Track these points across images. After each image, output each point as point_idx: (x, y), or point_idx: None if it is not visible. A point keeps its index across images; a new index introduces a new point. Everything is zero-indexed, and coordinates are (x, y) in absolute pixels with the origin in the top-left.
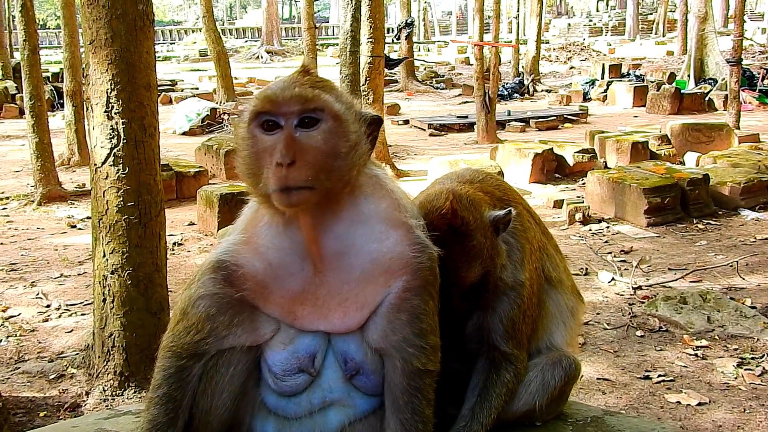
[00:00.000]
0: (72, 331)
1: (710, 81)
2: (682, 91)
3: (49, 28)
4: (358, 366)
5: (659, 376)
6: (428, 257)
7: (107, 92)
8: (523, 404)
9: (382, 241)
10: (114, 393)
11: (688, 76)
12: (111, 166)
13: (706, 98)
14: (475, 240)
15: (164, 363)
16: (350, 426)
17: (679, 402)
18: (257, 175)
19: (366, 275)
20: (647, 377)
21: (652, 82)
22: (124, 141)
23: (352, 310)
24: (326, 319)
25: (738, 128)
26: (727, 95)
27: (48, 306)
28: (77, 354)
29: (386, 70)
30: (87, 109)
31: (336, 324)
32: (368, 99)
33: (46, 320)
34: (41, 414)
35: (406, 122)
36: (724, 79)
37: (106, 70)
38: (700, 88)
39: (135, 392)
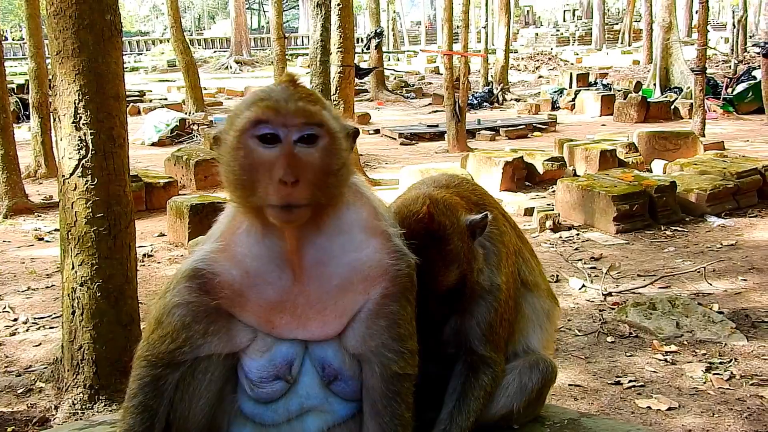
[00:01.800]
0: (40, 344)
1: (676, 90)
2: (649, 100)
3: (13, 40)
4: (335, 372)
5: (630, 381)
6: (406, 264)
7: (75, 103)
8: (501, 407)
9: (361, 249)
10: (84, 406)
11: (654, 84)
12: (79, 177)
13: (672, 107)
14: (452, 244)
15: (139, 372)
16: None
17: (649, 407)
18: (249, 188)
19: (345, 284)
20: (618, 383)
21: (618, 90)
22: (93, 152)
23: (331, 318)
24: (304, 328)
25: (703, 136)
26: (692, 104)
27: (15, 320)
28: (46, 368)
29: (356, 80)
30: (54, 120)
31: (315, 333)
32: (339, 109)
33: (14, 334)
34: (9, 429)
35: (377, 131)
36: (689, 87)
37: (74, 81)
38: (665, 97)
39: (105, 405)
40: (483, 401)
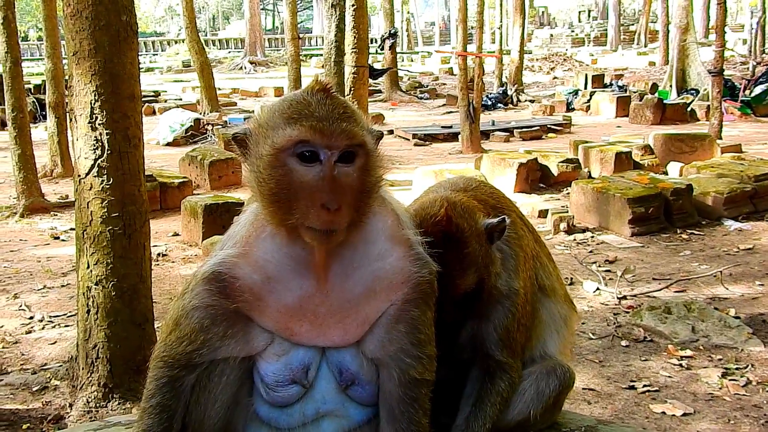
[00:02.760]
0: (55, 342)
1: (692, 91)
2: (665, 102)
3: (30, 40)
4: (353, 376)
5: (644, 386)
6: (428, 271)
7: (91, 103)
8: (518, 413)
9: (385, 258)
10: (98, 405)
11: (670, 86)
12: (95, 177)
13: (689, 108)
14: (470, 247)
15: (156, 373)
16: None
17: (664, 412)
18: (286, 207)
19: (369, 292)
20: (632, 387)
21: (634, 92)
22: (108, 152)
23: (352, 326)
24: (325, 336)
25: (720, 138)
26: (709, 105)
27: (31, 318)
28: (61, 366)
29: (370, 81)
30: (70, 120)
31: (335, 340)
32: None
33: (29, 332)
34: (24, 426)
35: (391, 132)
36: (705, 89)
37: (90, 81)
38: (682, 99)
39: (119, 404)
40: (499, 407)
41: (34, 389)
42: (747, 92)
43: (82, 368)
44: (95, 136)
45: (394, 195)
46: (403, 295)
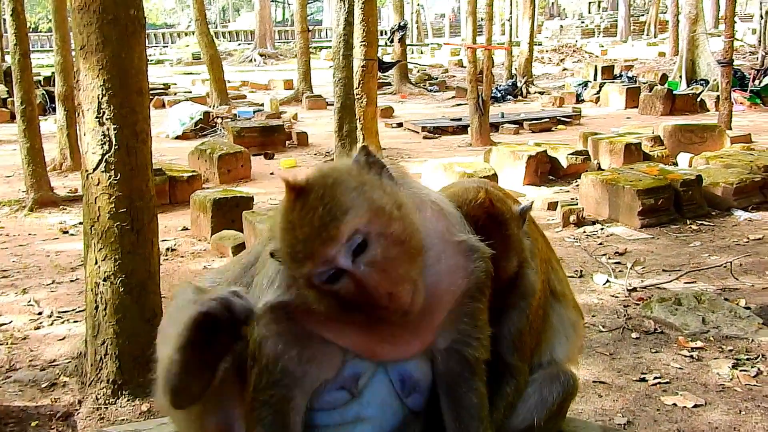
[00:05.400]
0: (64, 338)
1: (702, 82)
2: (674, 92)
3: (40, 32)
4: (415, 384)
5: (655, 378)
6: (483, 262)
7: (98, 98)
8: (522, 420)
9: (442, 260)
10: (107, 401)
11: (680, 77)
12: (103, 172)
13: (698, 99)
14: (511, 230)
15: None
16: None
17: (675, 404)
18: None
19: (435, 298)
20: (643, 379)
21: (644, 83)
22: (116, 147)
23: (426, 336)
24: (405, 351)
25: (730, 129)
26: (718, 96)
27: (40, 313)
28: (69, 362)
29: (379, 73)
30: (78, 114)
31: (413, 352)
32: (362, 102)
33: (38, 328)
34: (33, 424)
35: (400, 125)
36: (715, 79)
37: (98, 76)
38: (692, 89)
39: (128, 400)
40: (504, 412)
41: (42, 386)
42: (756, 82)
43: (91, 365)
44: (103, 131)
45: (429, 187)
46: (462, 291)
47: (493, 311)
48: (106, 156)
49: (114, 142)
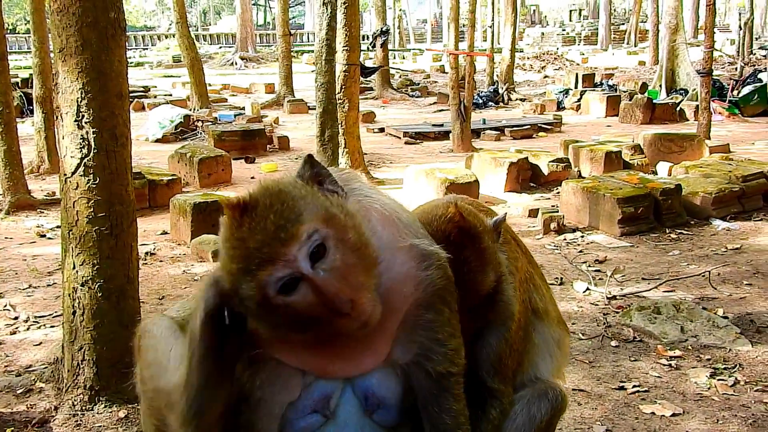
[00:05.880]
0: (41, 344)
1: (681, 91)
2: (654, 101)
3: (18, 33)
4: (379, 400)
5: (634, 386)
6: (436, 265)
7: (77, 101)
8: None
9: (391, 268)
10: (84, 408)
11: (660, 86)
12: (81, 176)
13: (678, 108)
14: (485, 243)
15: None
16: None
17: (653, 413)
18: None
19: (384, 309)
20: (622, 388)
21: (624, 91)
22: (95, 151)
23: (381, 347)
24: (358, 366)
25: (709, 138)
26: (698, 105)
27: (16, 318)
28: (46, 368)
29: (362, 78)
30: (56, 118)
31: (368, 366)
32: (344, 107)
33: (14, 333)
34: (8, 430)
35: (382, 130)
36: (695, 89)
37: (77, 79)
38: (671, 98)
39: (105, 407)
40: None
41: (18, 392)
42: (735, 93)
43: (68, 370)
44: (82, 135)
45: (375, 189)
46: (416, 300)
47: (476, 329)
48: (85, 160)
49: (93, 146)
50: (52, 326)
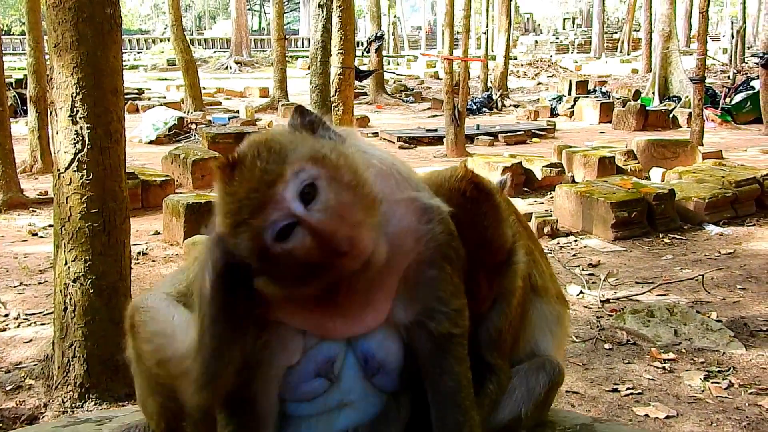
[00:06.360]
0: (31, 341)
1: (674, 98)
2: (647, 108)
3: (13, 34)
4: (379, 364)
5: (627, 389)
6: (438, 219)
7: (72, 96)
8: (509, 413)
9: (389, 222)
10: (74, 405)
11: (653, 93)
12: (75, 171)
13: (671, 115)
14: (498, 200)
15: None
16: (356, 429)
17: (647, 415)
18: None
19: (386, 266)
20: (616, 390)
21: (617, 98)
22: (89, 146)
23: (379, 307)
24: (353, 326)
25: (701, 145)
26: (690, 112)
27: (6, 315)
28: (36, 365)
29: (356, 83)
30: (51, 113)
31: (369, 325)
32: (338, 110)
33: (4, 330)
34: None
35: (376, 135)
36: (687, 96)
37: (72, 74)
38: (664, 105)
39: (95, 404)
40: (488, 409)
41: (7, 388)
42: (727, 100)
43: (58, 367)
44: (76, 130)
45: (378, 149)
46: (418, 256)
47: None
48: (79, 155)
49: (87, 142)
50: (42, 324)
